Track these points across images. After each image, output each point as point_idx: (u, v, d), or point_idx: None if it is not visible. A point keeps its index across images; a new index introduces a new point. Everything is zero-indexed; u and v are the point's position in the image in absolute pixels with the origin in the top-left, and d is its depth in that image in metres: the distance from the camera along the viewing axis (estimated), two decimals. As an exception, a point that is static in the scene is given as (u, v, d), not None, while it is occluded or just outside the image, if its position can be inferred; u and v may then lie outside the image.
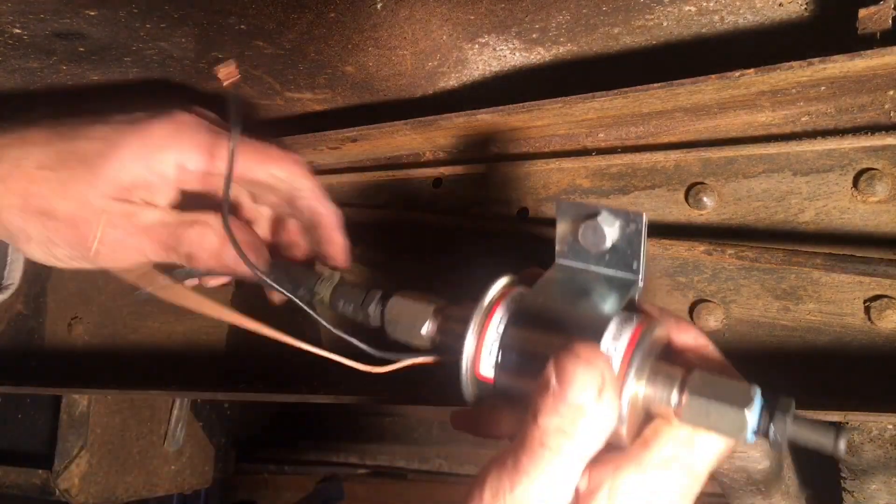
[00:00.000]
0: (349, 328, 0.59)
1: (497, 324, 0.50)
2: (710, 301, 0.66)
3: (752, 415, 0.42)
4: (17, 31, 0.61)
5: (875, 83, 0.57)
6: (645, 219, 0.51)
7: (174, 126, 0.60)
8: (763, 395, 0.43)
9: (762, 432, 0.42)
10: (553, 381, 0.40)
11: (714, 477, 0.78)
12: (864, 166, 0.61)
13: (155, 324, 0.95)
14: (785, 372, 0.63)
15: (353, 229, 0.68)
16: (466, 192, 0.78)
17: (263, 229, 0.71)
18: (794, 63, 0.52)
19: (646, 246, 0.52)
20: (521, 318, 0.49)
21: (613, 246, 0.52)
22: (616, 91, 0.58)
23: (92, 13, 0.58)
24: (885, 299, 0.60)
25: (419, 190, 0.81)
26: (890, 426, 0.62)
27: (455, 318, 0.53)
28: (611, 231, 0.51)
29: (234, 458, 1.44)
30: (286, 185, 0.64)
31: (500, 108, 0.64)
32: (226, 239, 0.60)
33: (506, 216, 0.75)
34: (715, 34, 0.61)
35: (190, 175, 0.61)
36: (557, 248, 0.54)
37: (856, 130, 0.61)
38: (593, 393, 0.40)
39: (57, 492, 1.08)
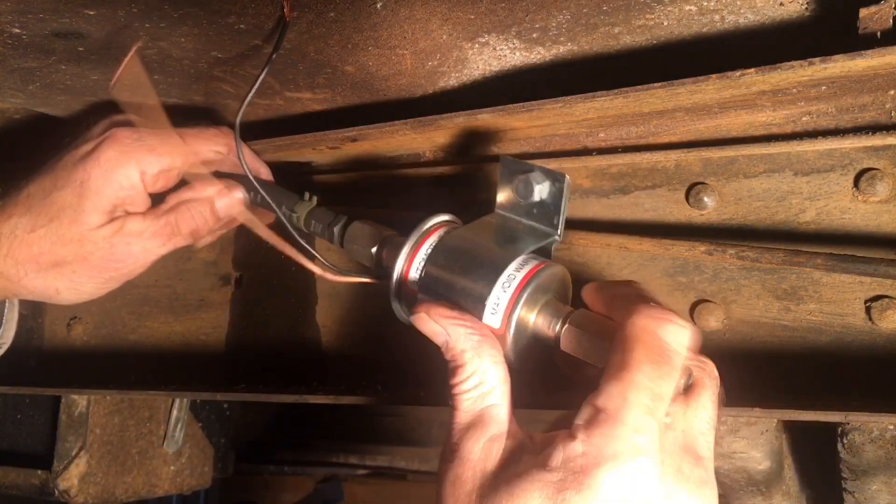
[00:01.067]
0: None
1: (427, 248, 0.60)
2: (710, 301, 0.66)
3: None
4: (17, 30, 0.61)
5: (876, 83, 0.57)
6: (567, 180, 0.59)
7: (119, 146, 0.68)
8: None
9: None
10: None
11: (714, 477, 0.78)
12: (865, 166, 0.61)
13: (154, 324, 0.95)
14: (786, 372, 0.63)
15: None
16: (466, 193, 0.78)
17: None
18: (794, 63, 0.52)
19: (566, 204, 0.60)
20: (446, 244, 0.59)
21: (542, 201, 0.60)
22: (616, 91, 0.58)
23: (91, 13, 0.58)
24: (886, 299, 0.60)
25: (419, 189, 0.81)
26: (891, 426, 0.62)
27: (398, 243, 0.62)
28: (539, 188, 0.60)
29: (234, 459, 1.44)
30: (232, 155, 0.73)
31: (500, 108, 0.64)
32: (214, 199, 0.73)
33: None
34: (715, 34, 0.61)
35: (152, 178, 0.70)
36: (497, 198, 0.63)
37: (857, 130, 0.61)
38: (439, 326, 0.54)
39: (56, 492, 1.08)
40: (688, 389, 0.48)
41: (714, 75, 0.55)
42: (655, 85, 0.57)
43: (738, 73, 0.54)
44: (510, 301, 0.54)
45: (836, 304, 0.62)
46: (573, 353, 0.53)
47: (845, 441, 0.64)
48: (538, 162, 0.61)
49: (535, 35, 0.62)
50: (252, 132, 0.82)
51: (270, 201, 0.71)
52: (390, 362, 0.79)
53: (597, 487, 0.43)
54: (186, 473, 1.29)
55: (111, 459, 1.13)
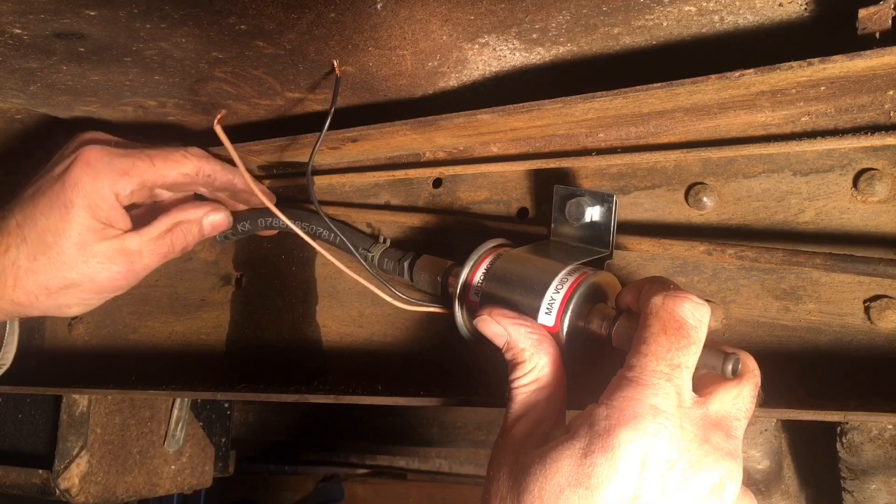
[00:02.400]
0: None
1: (487, 264, 0.64)
2: (709, 301, 0.66)
3: None
4: (18, 31, 0.61)
5: (875, 83, 0.57)
6: (615, 199, 0.64)
7: (90, 168, 0.71)
8: None
9: None
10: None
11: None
12: (864, 166, 0.61)
13: (155, 323, 0.95)
14: (785, 372, 0.63)
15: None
16: (466, 193, 0.78)
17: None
18: (793, 63, 0.52)
19: (615, 221, 0.64)
20: (504, 259, 0.64)
21: (592, 222, 0.65)
22: (616, 91, 0.58)
23: (92, 13, 0.58)
24: (885, 299, 0.60)
25: (419, 190, 0.81)
26: (890, 426, 0.62)
27: (460, 269, 0.66)
28: (591, 210, 0.64)
29: (234, 458, 1.44)
30: (199, 177, 0.76)
31: (500, 108, 0.64)
32: (202, 220, 0.80)
33: (506, 216, 0.76)
34: (715, 34, 0.61)
35: (125, 197, 0.73)
36: (552, 225, 0.68)
37: (856, 130, 0.61)
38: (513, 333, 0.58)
39: (57, 492, 1.08)
40: (736, 375, 0.50)
41: (713, 76, 0.55)
42: (655, 85, 0.57)
43: (737, 74, 0.54)
44: (563, 300, 0.58)
45: (835, 303, 0.62)
46: (626, 348, 0.55)
47: (844, 440, 0.64)
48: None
49: (534, 36, 0.62)
50: (253, 133, 0.83)
51: (349, 244, 0.76)
52: (391, 362, 0.79)
53: (620, 447, 0.45)
54: (187, 473, 1.29)
55: (112, 459, 1.13)
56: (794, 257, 0.57)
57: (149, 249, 0.75)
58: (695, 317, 0.50)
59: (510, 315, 0.58)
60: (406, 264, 0.74)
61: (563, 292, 0.58)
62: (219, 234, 0.84)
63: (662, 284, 0.54)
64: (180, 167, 0.75)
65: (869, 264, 0.54)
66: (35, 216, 0.71)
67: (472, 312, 0.63)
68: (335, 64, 0.67)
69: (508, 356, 0.57)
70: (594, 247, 0.65)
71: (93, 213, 0.71)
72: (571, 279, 0.59)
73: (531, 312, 0.59)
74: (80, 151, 0.72)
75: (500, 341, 0.58)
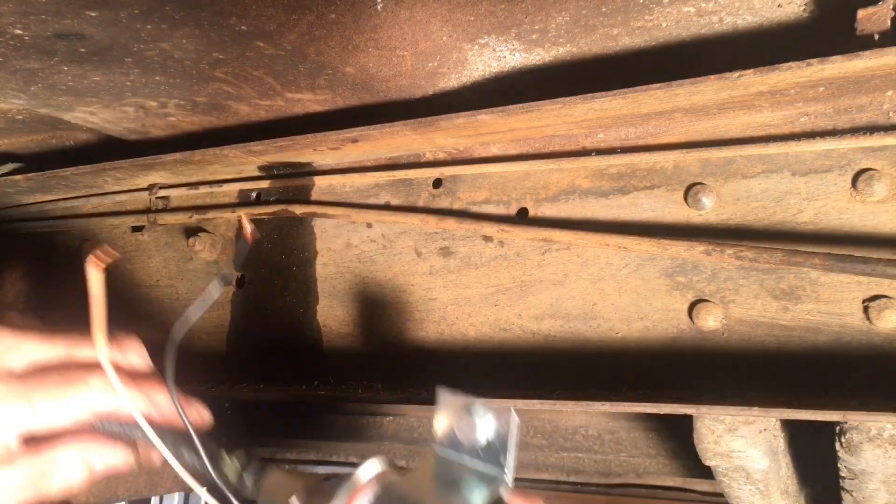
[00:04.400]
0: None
1: None
2: (709, 301, 0.66)
3: None
4: (19, 31, 0.61)
5: (873, 84, 0.57)
6: (515, 418, 0.52)
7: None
8: None
9: None
10: None
11: (714, 477, 0.78)
12: (863, 167, 0.61)
13: (155, 323, 0.95)
14: (784, 371, 0.63)
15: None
16: (466, 193, 0.78)
17: None
18: (792, 64, 0.52)
19: (516, 444, 0.53)
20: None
21: (487, 442, 0.53)
22: (616, 92, 0.58)
23: (93, 14, 0.58)
24: (884, 299, 0.60)
25: (419, 190, 0.81)
26: (889, 426, 0.62)
27: (325, 495, 0.55)
28: (484, 426, 0.53)
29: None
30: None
31: (500, 108, 0.64)
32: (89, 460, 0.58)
33: (506, 216, 0.76)
34: (714, 35, 0.61)
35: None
36: (436, 437, 0.56)
37: (854, 131, 0.61)
38: None
39: (58, 491, 1.08)
40: None
41: (712, 76, 0.55)
42: (654, 86, 0.57)
43: (736, 74, 0.54)
44: None
45: (833, 303, 0.62)
46: None
47: (843, 440, 0.64)
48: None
49: (534, 36, 0.62)
50: (253, 133, 0.83)
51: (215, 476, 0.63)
52: (391, 362, 0.79)
53: None
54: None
55: (112, 459, 1.13)
56: (793, 257, 0.57)
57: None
58: None
59: None
60: (248, 479, 0.61)
61: None
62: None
63: None
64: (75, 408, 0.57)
65: (868, 264, 0.54)
66: None
67: None
68: (246, 225, 0.60)
69: None
70: (489, 466, 0.53)
71: None
72: None
73: None
74: None
75: None
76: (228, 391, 0.82)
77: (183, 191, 0.93)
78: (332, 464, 2.31)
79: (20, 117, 0.89)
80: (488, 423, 0.53)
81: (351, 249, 0.83)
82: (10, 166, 0.75)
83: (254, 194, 0.91)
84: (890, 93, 0.59)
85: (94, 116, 0.83)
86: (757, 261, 0.59)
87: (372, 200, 0.84)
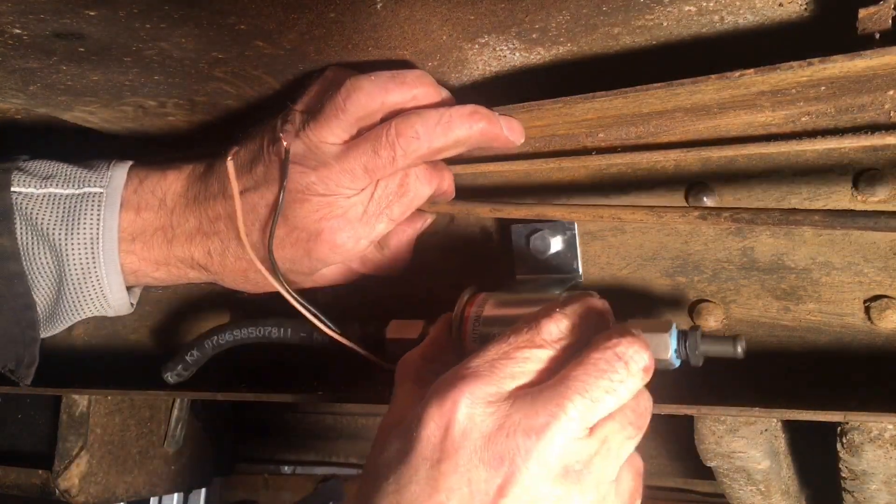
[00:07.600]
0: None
1: (474, 317, 0.61)
2: (710, 301, 0.66)
3: (672, 339, 0.54)
4: (17, 31, 0.61)
5: (875, 83, 0.57)
6: (576, 227, 0.68)
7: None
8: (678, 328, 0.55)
9: (682, 354, 0.54)
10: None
11: (715, 478, 0.78)
12: (865, 166, 0.61)
13: (155, 324, 0.95)
14: (785, 372, 0.63)
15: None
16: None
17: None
18: (794, 63, 0.52)
19: (579, 248, 0.69)
20: (490, 308, 0.62)
21: (557, 252, 0.68)
22: (616, 91, 0.58)
23: (92, 13, 0.58)
24: (886, 299, 0.60)
25: (419, 190, 0.81)
26: (890, 426, 0.62)
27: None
28: (554, 240, 0.68)
29: (235, 458, 1.44)
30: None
31: (501, 108, 0.64)
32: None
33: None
34: (715, 34, 0.61)
35: None
36: (516, 264, 0.69)
37: (856, 130, 0.61)
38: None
39: (57, 492, 1.08)
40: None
41: (713, 76, 0.55)
42: (655, 85, 0.57)
43: (737, 74, 0.54)
44: None
45: (835, 303, 0.62)
46: None
47: (844, 441, 0.64)
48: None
49: (534, 36, 0.62)
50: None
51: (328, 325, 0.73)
52: (390, 362, 0.79)
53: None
54: (187, 473, 1.29)
55: (112, 459, 1.13)
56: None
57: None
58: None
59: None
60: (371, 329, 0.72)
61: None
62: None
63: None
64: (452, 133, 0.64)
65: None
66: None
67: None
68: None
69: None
70: (563, 274, 0.68)
71: None
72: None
73: None
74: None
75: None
76: (227, 392, 0.81)
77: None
78: (331, 464, 2.31)
79: (18, 117, 0.89)
80: (556, 239, 0.68)
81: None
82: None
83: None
84: (891, 92, 0.59)
85: (93, 116, 0.83)
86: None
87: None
